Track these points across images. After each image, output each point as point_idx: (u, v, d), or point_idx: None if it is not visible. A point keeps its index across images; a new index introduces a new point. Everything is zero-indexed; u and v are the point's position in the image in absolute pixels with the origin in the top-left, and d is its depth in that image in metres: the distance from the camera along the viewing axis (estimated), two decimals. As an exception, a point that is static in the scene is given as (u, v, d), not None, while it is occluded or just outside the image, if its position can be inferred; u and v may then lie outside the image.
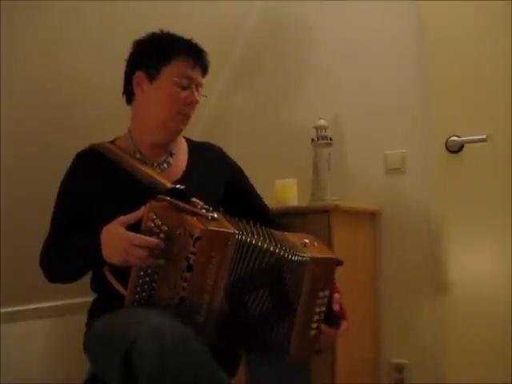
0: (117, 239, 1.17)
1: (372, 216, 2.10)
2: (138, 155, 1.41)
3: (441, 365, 1.96)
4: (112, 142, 1.45)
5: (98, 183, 1.37)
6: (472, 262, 1.98)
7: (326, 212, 1.83)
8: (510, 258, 1.89)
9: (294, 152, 2.24)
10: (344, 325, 1.33)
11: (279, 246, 1.22)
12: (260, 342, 1.24)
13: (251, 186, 1.59)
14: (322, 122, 2.03)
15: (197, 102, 1.39)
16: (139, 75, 1.39)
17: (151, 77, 1.38)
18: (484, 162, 1.97)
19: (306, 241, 1.28)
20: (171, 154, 1.44)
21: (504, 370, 1.84)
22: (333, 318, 1.30)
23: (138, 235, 1.15)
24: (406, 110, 2.07)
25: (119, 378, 1.07)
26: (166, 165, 1.42)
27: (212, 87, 2.42)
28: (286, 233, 1.32)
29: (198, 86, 1.41)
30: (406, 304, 2.04)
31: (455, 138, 2.02)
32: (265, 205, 1.59)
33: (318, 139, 2.01)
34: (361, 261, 2.02)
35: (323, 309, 1.27)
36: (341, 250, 1.82)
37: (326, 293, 1.26)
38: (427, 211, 2.02)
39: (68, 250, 1.33)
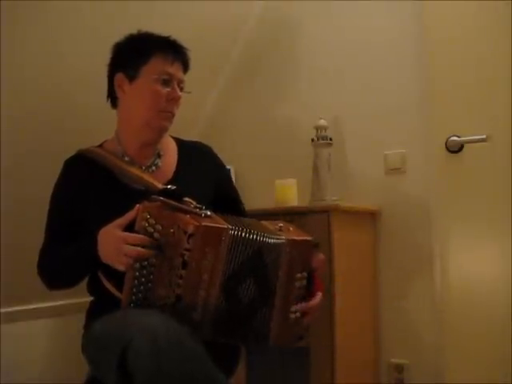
0: (112, 239, 1.19)
1: (372, 216, 2.10)
2: (126, 158, 1.40)
3: (440, 365, 1.96)
4: (100, 146, 1.45)
5: (88, 188, 1.37)
6: (472, 262, 1.98)
7: (325, 212, 1.83)
8: (510, 258, 1.89)
9: (294, 152, 2.24)
10: (318, 296, 1.32)
11: (258, 232, 1.23)
12: (246, 329, 1.25)
13: (234, 188, 1.60)
14: (322, 122, 2.03)
15: (179, 97, 1.38)
16: (119, 77, 1.39)
17: (131, 77, 1.37)
18: (484, 162, 1.97)
19: (281, 225, 1.31)
20: (159, 156, 1.43)
21: (504, 370, 1.84)
22: (309, 293, 1.30)
23: (132, 234, 1.16)
24: (406, 110, 2.07)
25: (116, 379, 1.07)
26: (154, 167, 1.41)
27: (212, 87, 2.42)
28: (262, 221, 1.34)
29: (180, 82, 1.40)
30: (405, 304, 2.04)
31: (455, 138, 2.02)
32: (243, 208, 1.59)
33: (317, 139, 2.01)
34: (361, 261, 2.02)
35: (302, 292, 1.27)
36: (341, 249, 1.83)
37: (304, 274, 1.27)
38: (427, 211, 2.02)
39: (65, 254, 1.33)
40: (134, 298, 1.16)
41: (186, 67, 1.43)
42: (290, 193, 2.05)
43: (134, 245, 1.15)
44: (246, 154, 2.29)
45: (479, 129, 1.96)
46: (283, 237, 1.26)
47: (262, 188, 2.02)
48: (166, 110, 1.37)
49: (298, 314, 1.27)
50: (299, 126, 2.23)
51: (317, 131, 2.02)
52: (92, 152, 1.41)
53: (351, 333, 1.87)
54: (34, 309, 1.82)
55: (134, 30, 1.42)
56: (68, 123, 1.80)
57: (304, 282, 1.28)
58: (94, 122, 1.80)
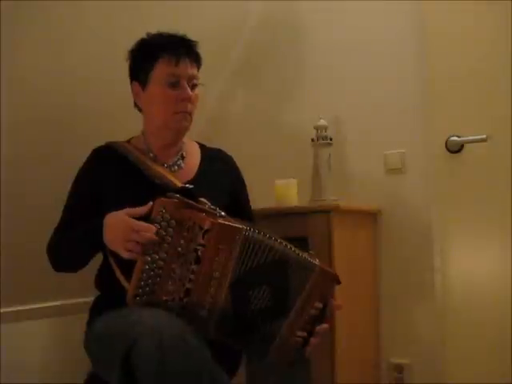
0: (119, 224, 1.20)
1: (372, 216, 2.10)
2: (151, 154, 1.43)
3: (441, 365, 1.96)
4: (128, 142, 1.48)
5: (110, 178, 1.40)
6: (472, 262, 1.98)
7: (326, 212, 1.82)
8: (509, 258, 1.89)
9: (294, 152, 2.23)
10: (324, 327, 1.29)
11: (284, 244, 1.23)
12: (251, 336, 1.24)
13: (248, 201, 1.62)
14: (322, 122, 2.03)
15: (189, 97, 1.38)
16: (135, 86, 1.43)
17: (143, 85, 1.41)
18: (484, 162, 1.98)
19: (312, 252, 1.30)
20: (182, 158, 1.47)
21: (504, 370, 1.85)
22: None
23: (141, 222, 1.16)
24: (406, 110, 2.07)
25: (119, 378, 1.07)
26: (176, 167, 1.44)
27: (212, 87, 2.42)
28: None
29: (190, 79, 1.40)
30: (406, 304, 2.04)
31: (455, 138, 2.02)
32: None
33: (318, 139, 2.01)
34: (361, 261, 2.02)
35: (312, 321, 1.25)
36: (341, 250, 1.82)
37: (320, 305, 1.26)
38: (427, 211, 2.02)
39: (72, 234, 1.35)
40: (140, 290, 1.16)
41: (196, 61, 1.43)
42: (290, 193, 2.05)
43: (139, 232, 1.15)
44: (246, 154, 2.27)
45: (479, 129, 1.96)
46: (317, 262, 1.25)
47: (262, 188, 2.01)
48: (179, 111, 1.39)
49: (300, 341, 1.25)
50: (299, 125, 2.23)
51: (317, 131, 2.02)
52: (120, 145, 1.44)
53: (351, 333, 1.87)
54: (34, 309, 1.82)
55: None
56: (68, 124, 1.80)
57: (317, 312, 1.26)
58: (95, 123, 1.80)
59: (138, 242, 1.14)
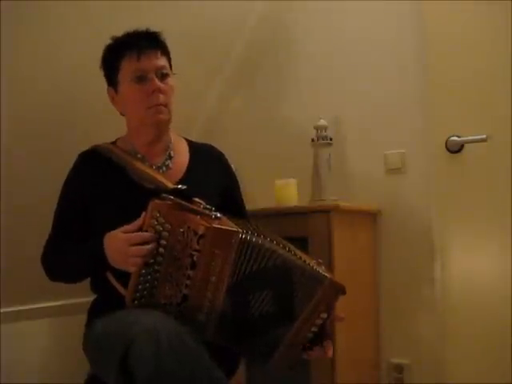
0: (117, 244, 1.19)
1: (372, 216, 2.10)
2: (138, 155, 1.41)
3: (441, 365, 1.96)
4: (113, 143, 1.46)
5: (99, 183, 1.38)
6: (472, 262, 1.98)
7: (326, 212, 1.82)
8: (509, 257, 1.89)
9: (294, 152, 2.23)
10: (330, 345, 1.26)
11: (287, 248, 1.20)
12: (252, 341, 1.22)
13: (241, 197, 1.59)
14: (322, 122, 2.03)
15: (158, 88, 1.35)
16: (109, 91, 1.43)
17: (115, 88, 1.41)
18: (484, 162, 1.98)
19: (320, 261, 1.27)
20: (170, 158, 1.44)
21: (503, 370, 1.85)
22: (321, 338, 1.26)
23: (135, 234, 1.16)
24: (406, 110, 2.07)
25: (117, 378, 1.07)
26: (165, 168, 1.42)
27: (211, 87, 2.42)
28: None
29: (158, 70, 1.37)
30: (406, 304, 2.04)
31: (455, 138, 2.02)
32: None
33: (318, 139, 2.01)
34: (361, 261, 2.02)
35: (316, 330, 1.23)
36: (341, 249, 1.83)
37: (325, 315, 1.23)
38: (427, 211, 2.02)
39: (73, 255, 1.34)
40: (138, 294, 1.16)
41: (162, 52, 1.40)
42: (290, 193, 2.05)
43: (139, 244, 1.15)
44: (246, 154, 2.28)
45: (479, 129, 1.96)
46: (326, 272, 1.21)
47: (262, 188, 2.01)
48: (152, 105, 1.36)
49: (302, 349, 1.23)
50: (299, 126, 2.23)
51: (317, 131, 2.02)
52: (106, 148, 1.43)
53: (351, 333, 1.87)
54: (34, 309, 1.82)
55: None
56: (68, 124, 1.80)
57: (321, 322, 1.23)
58: (95, 123, 1.80)
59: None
